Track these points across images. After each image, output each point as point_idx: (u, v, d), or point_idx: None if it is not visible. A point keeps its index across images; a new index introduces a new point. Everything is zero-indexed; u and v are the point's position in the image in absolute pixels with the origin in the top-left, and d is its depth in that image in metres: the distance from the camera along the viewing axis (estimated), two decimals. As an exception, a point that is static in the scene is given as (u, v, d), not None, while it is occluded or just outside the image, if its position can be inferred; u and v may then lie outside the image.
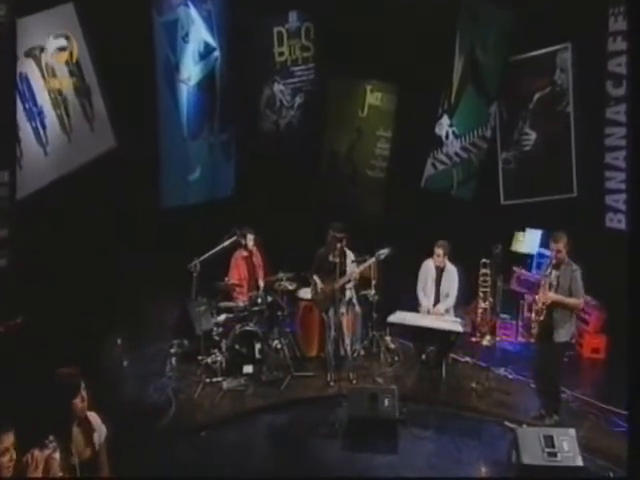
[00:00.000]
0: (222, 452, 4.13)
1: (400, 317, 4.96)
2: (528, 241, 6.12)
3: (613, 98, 5.43)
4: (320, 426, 4.41)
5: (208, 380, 4.87)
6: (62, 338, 4.29)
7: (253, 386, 4.88)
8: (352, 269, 4.99)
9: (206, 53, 6.09)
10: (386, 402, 4.19)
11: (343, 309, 4.98)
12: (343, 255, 4.94)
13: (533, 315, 4.27)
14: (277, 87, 6.64)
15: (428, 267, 5.14)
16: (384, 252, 4.93)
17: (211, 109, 6.29)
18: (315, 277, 5.05)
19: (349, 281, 4.98)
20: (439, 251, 5.03)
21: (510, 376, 5.13)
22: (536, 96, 6.16)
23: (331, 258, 4.92)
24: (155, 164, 5.84)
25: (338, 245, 4.86)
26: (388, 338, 5.59)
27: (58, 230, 4.81)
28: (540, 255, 5.90)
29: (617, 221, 5.66)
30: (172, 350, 5.27)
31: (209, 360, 5.02)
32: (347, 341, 4.99)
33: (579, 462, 3.60)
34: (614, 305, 5.18)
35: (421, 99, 6.27)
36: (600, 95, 5.56)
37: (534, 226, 6.11)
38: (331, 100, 6.77)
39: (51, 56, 4.79)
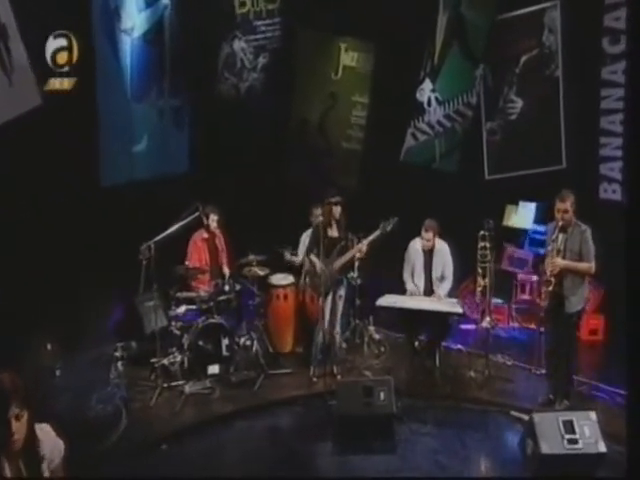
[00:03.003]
0: (187, 466, 3.80)
1: (390, 301, 4.76)
2: (522, 215, 6.07)
3: (609, 56, 5.45)
4: (305, 429, 4.20)
5: (166, 385, 4.57)
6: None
7: (220, 388, 4.62)
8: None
9: (153, -1, 5.66)
10: (382, 396, 4.00)
11: (342, 292, 4.69)
12: (342, 227, 4.60)
13: (542, 287, 4.20)
14: (237, 44, 6.31)
15: (415, 249, 4.92)
16: (390, 223, 4.56)
17: (160, 67, 5.89)
18: (312, 257, 4.67)
19: (352, 258, 4.65)
20: (428, 235, 4.78)
21: (509, 362, 5.07)
22: (523, 59, 6.13)
23: (329, 232, 4.60)
24: (92, 130, 5.32)
25: (334, 209, 4.51)
26: (372, 328, 5.42)
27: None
28: (535, 231, 5.85)
29: (612, 191, 5.70)
30: (117, 354, 4.92)
31: (166, 361, 4.69)
32: (338, 329, 4.73)
33: (602, 448, 3.53)
34: (611, 284, 5.19)
35: (401, 60, 6.13)
36: (593, 55, 5.57)
37: (521, 199, 6.07)
38: (300, 60, 6.49)
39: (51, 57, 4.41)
